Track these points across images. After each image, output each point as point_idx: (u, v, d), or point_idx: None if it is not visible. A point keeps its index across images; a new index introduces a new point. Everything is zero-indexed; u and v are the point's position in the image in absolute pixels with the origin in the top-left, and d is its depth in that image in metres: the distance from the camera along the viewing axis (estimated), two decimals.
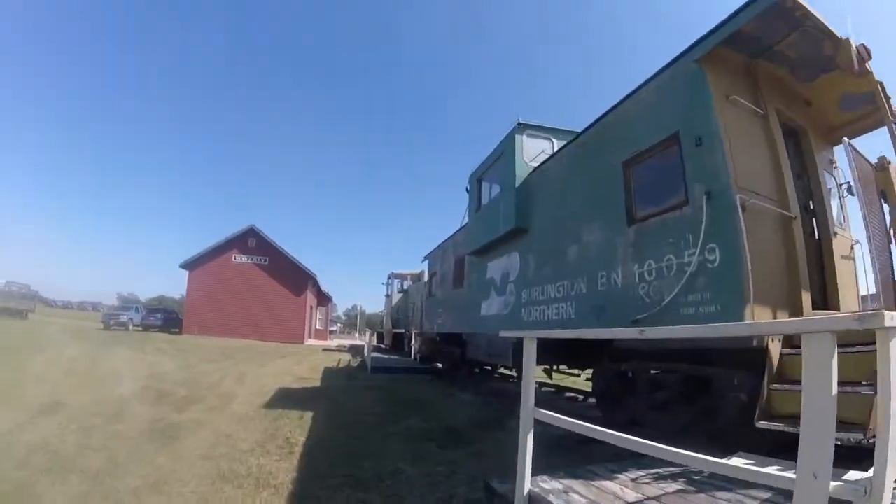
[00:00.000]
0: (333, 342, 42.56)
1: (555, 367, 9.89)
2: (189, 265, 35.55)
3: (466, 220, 13.82)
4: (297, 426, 7.52)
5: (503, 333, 4.50)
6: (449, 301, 13.83)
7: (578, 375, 10.36)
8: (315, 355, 25.20)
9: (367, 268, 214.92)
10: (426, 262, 17.90)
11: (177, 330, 35.07)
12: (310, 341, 39.31)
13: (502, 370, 14.83)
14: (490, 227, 10.25)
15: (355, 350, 29.88)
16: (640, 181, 6.26)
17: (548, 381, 11.97)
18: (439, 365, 16.93)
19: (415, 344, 18.98)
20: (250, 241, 36.23)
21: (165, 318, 37.00)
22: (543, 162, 8.81)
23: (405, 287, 26.62)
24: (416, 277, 25.35)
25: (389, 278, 27.76)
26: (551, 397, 11.39)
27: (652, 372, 6.18)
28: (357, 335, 49.94)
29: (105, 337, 26.53)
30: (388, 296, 28.08)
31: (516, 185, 9.11)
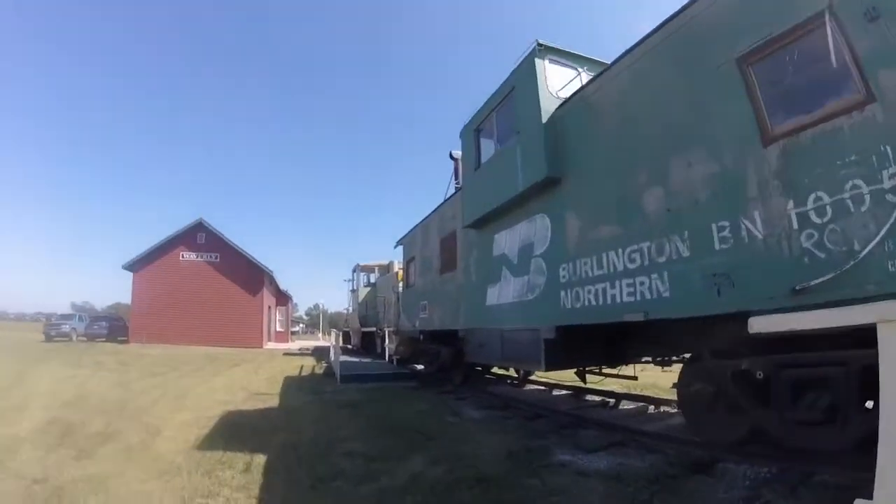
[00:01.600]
0: (295, 344, 39.47)
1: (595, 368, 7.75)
2: (133, 266, 31.94)
3: (453, 189, 11.39)
4: (240, 485, 4.91)
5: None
6: (435, 290, 11.38)
7: (619, 375, 8.12)
8: (274, 361, 22.35)
9: (328, 264, 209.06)
10: (400, 247, 15.40)
11: (124, 339, 31.72)
12: (269, 345, 36.20)
13: (497, 369, 12.48)
14: (500, 185, 7.84)
15: (320, 353, 27.04)
16: (775, 80, 4.05)
17: (546, 379, 9.82)
18: (419, 366, 14.51)
19: (389, 344, 16.45)
20: (199, 236, 32.87)
21: (111, 327, 33.94)
22: (583, 87, 6.44)
23: (373, 280, 24.00)
24: (385, 269, 22.75)
25: (354, 271, 24.97)
26: (575, 404, 9.00)
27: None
28: (321, 335, 46.97)
29: (42, 350, 23.97)
30: (353, 290, 25.32)
31: (543, 121, 6.70)
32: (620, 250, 5.43)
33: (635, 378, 7.98)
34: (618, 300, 5.41)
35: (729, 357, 4.76)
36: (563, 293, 6.40)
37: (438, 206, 11.75)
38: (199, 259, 32.70)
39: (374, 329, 19.60)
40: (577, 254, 6.17)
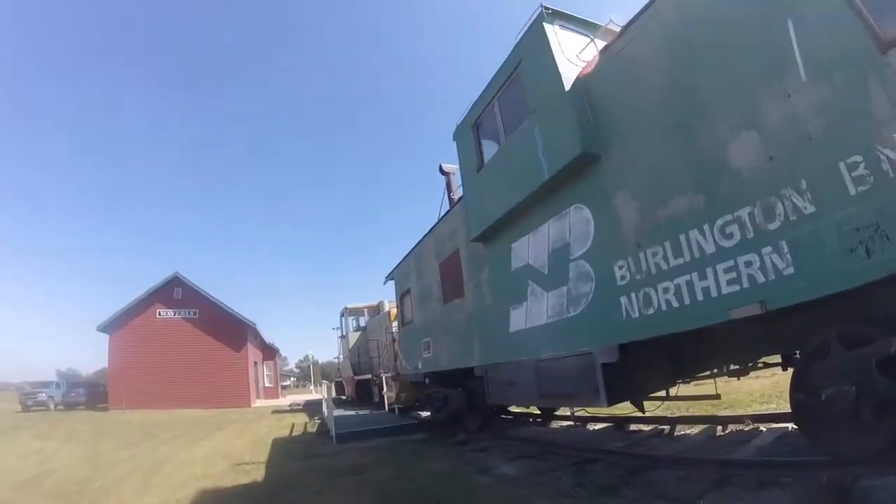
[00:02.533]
0: (286, 400, 37.18)
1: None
2: (108, 327, 29.92)
3: (446, 207, 10.01)
4: None
5: None
6: (440, 324, 9.81)
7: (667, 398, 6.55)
8: (262, 421, 20.40)
9: (317, 314, 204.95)
10: (391, 283, 13.87)
11: (105, 405, 29.50)
12: (258, 402, 33.97)
13: (514, 409, 10.87)
14: (515, 181, 6.50)
15: (312, 407, 25.04)
16: None
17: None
18: (424, 413, 12.84)
19: (388, 392, 14.74)
20: (176, 291, 30.98)
21: (90, 393, 31.91)
22: (612, 42, 5.15)
23: (363, 324, 22.28)
24: (375, 310, 21.15)
25: (342, 315, 23.16)
26: (625, 439, 7.40)
27: None
28: (312, 388, 44.68)
29: (14, 421, 22.66)
30: (342, 336, 23.48)
31: (566, 88, 5.35)
32: (707, 226, 4.01)
33: (718, 397, 6.37)
34: (714, 293, 3.96)
35: (865, 342, 3.45)
36: (623, 300, 4.94)
37: (433, 228, 10.30)
38: (176, 316, 30.75)
39: (368, 376, 17.84)
40: (639, 244, 4.72)
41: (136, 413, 25.58)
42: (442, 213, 10.28)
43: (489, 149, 7.44)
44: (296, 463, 9.32)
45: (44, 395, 31.17)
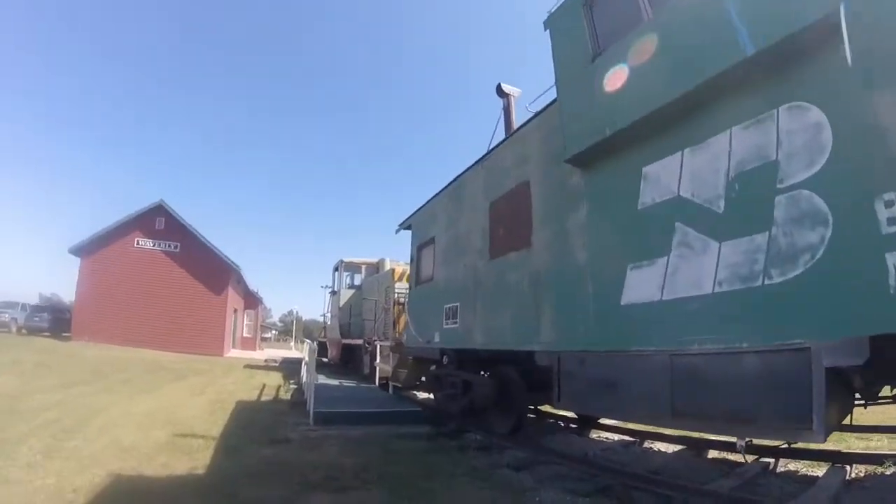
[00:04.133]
0: (263, 354, 34.79)
1: None
2: (80, 250, 27.03)
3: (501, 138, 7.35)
4: None
5: None
6: (477, 284, 7.22)
7: None
8: (231, 375, 17.90)
9: (307, 269, 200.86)
10: (401, 238, 11.23)
11: (68, 335, 26.89)
12: (233, 352, 31.45)
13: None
14: (675, 65, 4.11)
15: (289, 366, 22.53)
16: None
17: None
18: (420, 393, 10.34)
19: (381, 363, 12.16)
20: (158, 221, 28.03)
21: (54, 320, 29.07)
22: None
23: (358, 283, 19.61)
24: (374, 268, 18.44)
25: (336, 269, 20.29)
26: (724, 470, 4.89)
27: None
28: (293, 345, 42.34)
29: None
30: (333, 292, 20.70)
31: None
32: None
33: None
34: None
35: None
36: (893, 258, 2.72)
37: (481, 159, 7.62)
38: (156, 248, 27.96)
39: (359, 342, 15.17)
40: None
41: (97, 348, 23.12)
42: (492, 146, 7.62)
43: (616, 21, 4.73)
44: (256, 450, 6.77)
45: (7, 315, 28.61)
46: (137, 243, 27.82)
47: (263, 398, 12.33)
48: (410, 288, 10.18)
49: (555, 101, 5.88)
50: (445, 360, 7.98)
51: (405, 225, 10.83)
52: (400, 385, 10.54)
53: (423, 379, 9.90)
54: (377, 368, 12.34)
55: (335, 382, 13.10)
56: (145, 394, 12.31)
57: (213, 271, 28.28)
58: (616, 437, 7.82)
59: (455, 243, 8.11)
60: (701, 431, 5.22)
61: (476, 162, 7.81)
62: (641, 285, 4.37)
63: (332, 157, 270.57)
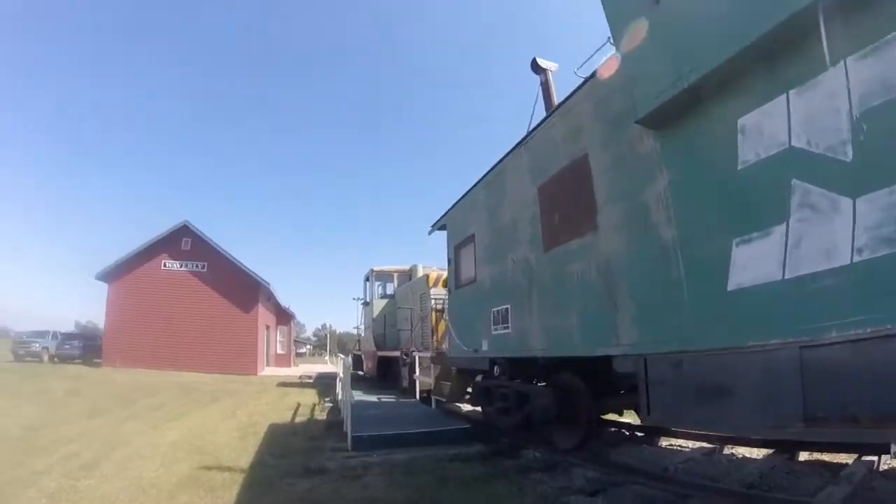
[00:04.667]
0: (298, 370, 34.19)
1: None
2: (108, 276, 26.92)
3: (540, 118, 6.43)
4: None
5: None
6: (531, 281, 6.26)
7: None
8: (265, 395, 17.21)
9: (336, 282, 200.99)
10: (435, 239, 10.36)
11: (100, 360, 26.73)
12: (268, 370, 30.96)
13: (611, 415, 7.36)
14: None
15: (324, 382, 21.78)
16: None
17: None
18: (465, 405, 9.42)
19: (422, 376, 11.28)
20: (184, 241, 27.73)
21: (86, 346, 28.99)
22: None
23: (391, 292, 18.75)
24: (406, 276, 17.61)
25: (367, 279, 19.44)
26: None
27: None
28: (327, 359, 41.83)
29: None
30: (365, 304, 19.88)
31: None
32: None
33: None
34: None
35: None
36: None
37: (523, 140, 6.70)
38: (183, 269, 27.64)
39: (396, 353, 14.30)
40: None
41: (129, 373, 22.79)
42: (532, 128, 6.70)
43: None
44: (289, 484, 5.92)
45: (37, 345, 28.57)
46: (165, 265, 27.59)
47: (298, 419, 11.56)
48: (449, 292, 9.26)
49: (608, 60, 4.98)
50: (497, 371, 7.02)
51: (439, 225, 9.95)
52: (444, 399, 9.60)
53: (469, 391, 8.93)
54: (417, 382, 11.47)
55: (373, 398, 12.24)
56: (173, 420, 11.69)
57: (243, 289, 27.84)
58: (691, 444, 6.81)
59: (499, 238, 7.17)
60: (843, 439, 4.23)
61: (516, 145, 6.89)
62: (754, 263, 3.40)
63: (358, 165, 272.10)
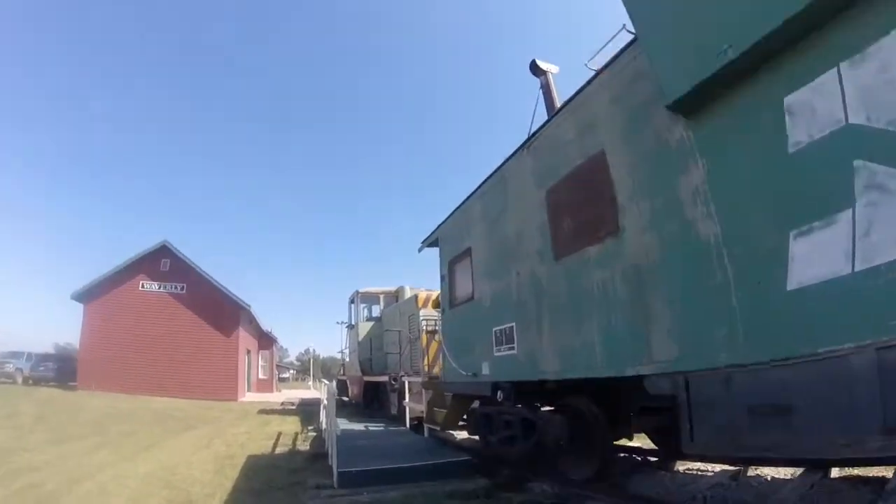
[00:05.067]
0: (281, 395, 33.09)
1: None
2: (84, 296, 25.91)
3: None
4: None
5: None
6: (539, 295, 5.63)
7: None
8: (244, 423, 16.34)
9: (319, 307, 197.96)
10: (425, 257, 9.76)
11: (75, 383, 25.46)
12: (248, 396, 29.84)
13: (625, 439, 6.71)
14: None
15: (307, 409, 20.83)
16: None
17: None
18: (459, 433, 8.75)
19: (411, 402, 10.56)
20: (163, 262, 26.85)
21: (60, 368, 27.76)
22: None
23: (377, 314, 17.97)
24: (393, 297, 16.91)
25: (352, 301, 18.59)
26: None
27: None
28: (311, 384, 40.65)
29: None
30: (350, 326, 19.01)
31: None
32: None
33: None
34: None
35: None
36: None
37: (528, 140, 6.15)
38: (161, 290, 26.69)
39: (384, 378, 13.54)
40: None
41: (103, 397, 21.71)
42: (532, 132, 6.18)
43: None
44: None
45: (11, 366, 27.51)
46: (142, 286, 26.71)
47: (278, 450, 10.78)
48: (443, 311, 8.59)
49: (626, 47, 4.48)
50: (501, 396, 6.34)
51: (430, 240, 9.33)
52: (437, 427, 8.88)
53: (466, 419, 8.23)
54: (407, 408, 10.74)
55: (360, 427, 11.47)
56: (146, 450, 10.92)
57: (223, 312, 26.97)
58: (709, 467, 6.15)
59: (501, 250, 6.55)
60: None
61: (518, 148, 6.34)
62: (818, 257, 2.85)
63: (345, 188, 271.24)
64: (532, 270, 5.72)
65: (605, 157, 4.67)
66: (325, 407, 11.22)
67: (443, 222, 8.74)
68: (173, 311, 26.38)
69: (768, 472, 5.50)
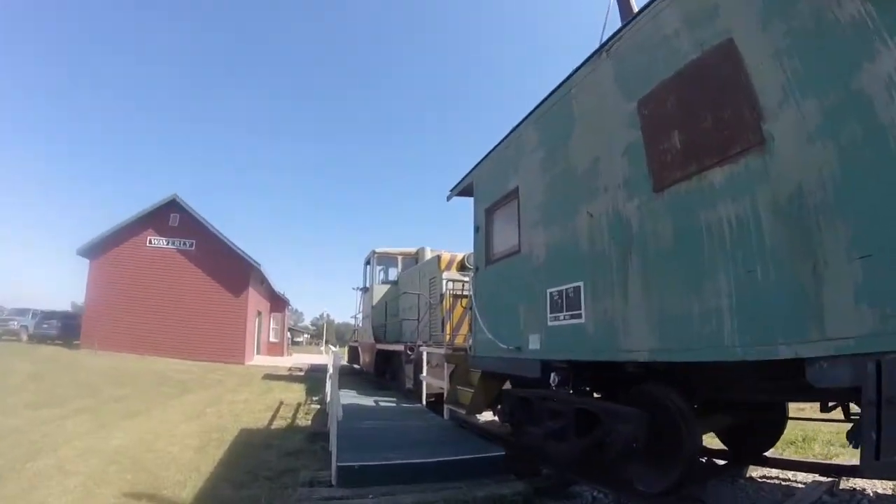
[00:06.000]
0: (290, 359, 32.02)
1: None
2: (90, 252, 24.78)
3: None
4: None
5: None
6: (631, 243, 3.94)
7: None
8: (245, 389, 15.10)
9: (338, 271, 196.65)
10: (458, 196, 8.18)
11: (79, 342, 24.61)
12: (257, 358, 28.79)
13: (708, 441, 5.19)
14: None
15: (315, 375, 19.60)
16: None
17: None
18: (491, 420, 7.34)
19: (430, 376, 9.10)
20: (172, 217, 25.49)
21: (65, 326, 27.01)
22: None
23: (394, 277, 16.43)
24: (413, 259, 15.37)
25: (367, 263, 17.05)
26: None
27: None
28: (322, 349, 39.81)
29: None
30: (364, 289, 17.46)
31: None
32: None
33: None
34: None
35: None
36: None
37: (606, 43, 4.49)
38: (169, 246, 25.47)
39: (399, 347, 12.10)
40: None
41: (105, 357, 20.85)
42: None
43: None
44: None
45: (16, 323, 27.11)
46: (150, 242, 25.50)
47: (276, 423, 9.45)
48: (476, 270, 6.99)
49: None
50: (555, 380, 4.80)
51: (462, 187, 7.75)
52: (461, 410, 7.37)
53: (501, 405, 6.70)
54: (424, 384, 9.29)
55: (369, 402, 10.06)
56: (129, 418, 9.71)
57: (233, 270, 25.69)
58: (791, 475, 4.97)
59: (563, 187, 4.92)
60: None
61: (593, 53, 4.68)
62: None
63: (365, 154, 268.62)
64: (614, 209, 4.09)
65: (735, 45, 3.05)
66: (329, 376, 9.82)
67: (479, 163, 7.12)
68: (182, 269, 25.19)
69: (861, 483, 4.45)
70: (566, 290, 4.58)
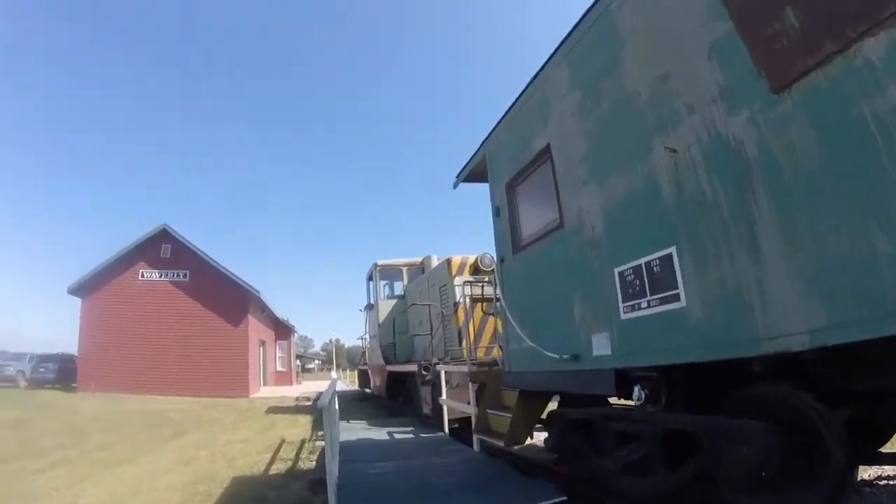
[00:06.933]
0: (299, 388, 30.53)
1: None
2: (80, 290, 23.65)
3: None
4: None
5: None
6: (752, 173, 2.53)
7: None
8: (245, 426, 13.68)
9: (346, 294, 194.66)
10: (464, 182, 6.87)
11: (76, 385, 23.53)
12: (263, 390, 27.38)
13: None
14: None
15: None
16: None
17: None
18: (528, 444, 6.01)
19: (450, 399, 7.70)
20: (164, 248, 24.38)
21: (62, 370, 26.04)
22: None
23: (400, 291, 14.99)
24: (419, 269, 13.95)
25: (370, 277, 15.53)
26: None
27: None
28: (333, 373, 38.27)
29: None
30: (370, 306, 16.05)
31: None
32: None
33: None
34: None
35: None
36: None
37: None
38: (163, 279, 24.25)
39: (411, 368, 10.65)
40: None
41: (101, 399, 19.77)
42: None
43: None
44: None
45: (12, 369, 26.10)
46: (142, 276, 24.34)
47: (274, 468, 8.04)
48: (501, 262, 5.59)
49: None
50: (640, 395, 3.36)
51: (471, 168, 6.42)
52: (498, 441, 5.91)
53: (546, 428, 5.27)
54: (445, 409, 7.88)
55: (381, 435, 8.64)
56: (110, 468, 8.69)
57: (230, 299, 24.44)
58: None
59: (619, 126, 3.48)
60: None
61: None
62: None
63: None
64: (712, 133, 2.70)
65: None
66: (328, 402, 8.43)
67: (492, 131, 5.78)
68: (177, 302, 24.03)
69: None
70: (648, 263, 3.16)
